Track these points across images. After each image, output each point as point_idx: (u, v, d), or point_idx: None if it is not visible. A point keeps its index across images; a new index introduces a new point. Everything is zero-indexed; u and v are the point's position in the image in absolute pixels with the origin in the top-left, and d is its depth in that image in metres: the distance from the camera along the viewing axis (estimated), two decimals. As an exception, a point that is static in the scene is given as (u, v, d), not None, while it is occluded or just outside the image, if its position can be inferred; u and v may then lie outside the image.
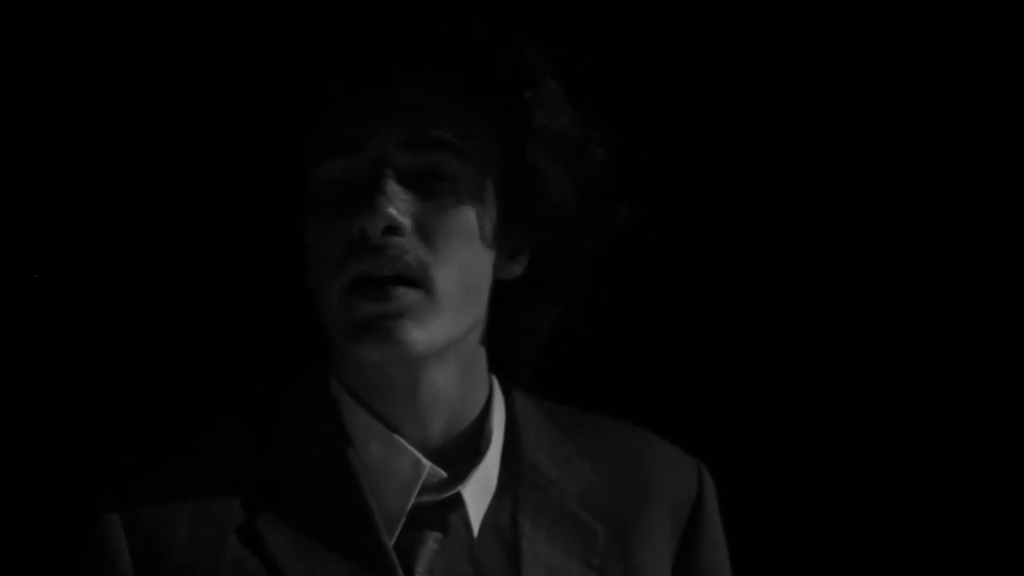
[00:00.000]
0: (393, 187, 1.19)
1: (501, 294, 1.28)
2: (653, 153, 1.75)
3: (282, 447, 1.25)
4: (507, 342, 1.30)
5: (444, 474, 1.23)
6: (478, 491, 1.25)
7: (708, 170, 1.79)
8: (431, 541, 1.23)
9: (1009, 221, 1.79)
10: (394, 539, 1.22)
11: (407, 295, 1.18)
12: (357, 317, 1.19)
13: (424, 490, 1.23)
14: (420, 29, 1.23)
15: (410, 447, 1.23)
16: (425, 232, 1.19)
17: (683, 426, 1.42)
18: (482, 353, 1.28)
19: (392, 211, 1.18)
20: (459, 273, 1.21)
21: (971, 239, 1.80)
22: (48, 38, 1.68)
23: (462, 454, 1.26)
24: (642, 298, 1.79)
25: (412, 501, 1.22)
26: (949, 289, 1.80)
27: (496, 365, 1.31)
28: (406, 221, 1.19)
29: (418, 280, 1.19)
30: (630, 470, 1.32)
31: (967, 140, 1.79)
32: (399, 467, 1.23)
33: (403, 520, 1.22)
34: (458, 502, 1.24)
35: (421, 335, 1.19)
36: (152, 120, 1.67)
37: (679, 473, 1.34)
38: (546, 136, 1.25)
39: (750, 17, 1.77)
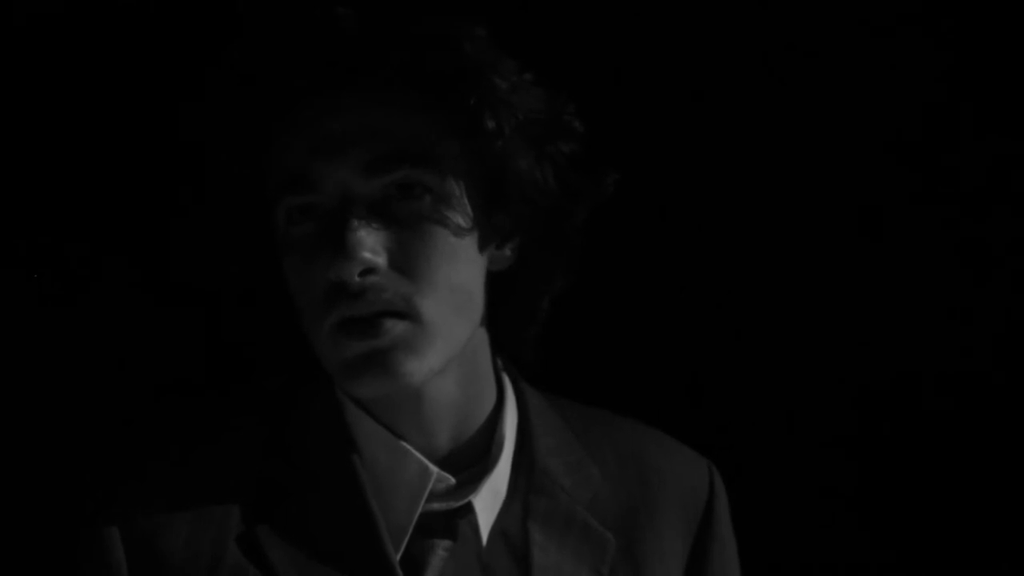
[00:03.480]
0: (361, 225, 1.14)
1: (497, 283, 1.25)
2: (652, 152, 1.76)
3: (285, 452, 1.24)
4: (509, 329, 1.28)
5: (453, 480, 1.22)
6: (489, 498, 1.23)
7: (706, 166, 1.79)
8: (440, 549, 1.21)
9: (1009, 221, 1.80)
10: (403, 548, 1.20)
11: (396, 326, 1.15)
12: (349, 355, 1.16)
13: (433, 497, 1.21)
14: (354, 40, 1.17)
15: (417, 453, 1.21)
16: (403, 262, 1.15)
17: (687, 423, 1.42)
18: (485, 352, 1.26)
19: (365, 254, 1.14)
20: (446, 293, 1.17)
21: (972, 237, 1.81)
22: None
23: (470, 458, 1.24)
24: (640, 295, 1.79)
25: (420, 509, 1.20)
26: (949, 282, 1.80)
27: (500, 352, 1.29)
28: (380, 260, 1.15)
29: (403, 313, 1.15)
30: (641, 473, 1.31)
31: (966, 142, 1.80)
32: (406, 474, 1.21)
33: (411, 529, 1.20)
34: (468, 509, 1.22)
35: (416, 365, 1.16)
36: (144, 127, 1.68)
37: (690, 475, 1.34)
38: (506, 127, 1.19)
39: (748, 16, 1.77)
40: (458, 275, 1.18)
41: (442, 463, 1.22)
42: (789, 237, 1.81)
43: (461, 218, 1.18)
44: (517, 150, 1.20)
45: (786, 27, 1.78)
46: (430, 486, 1.21)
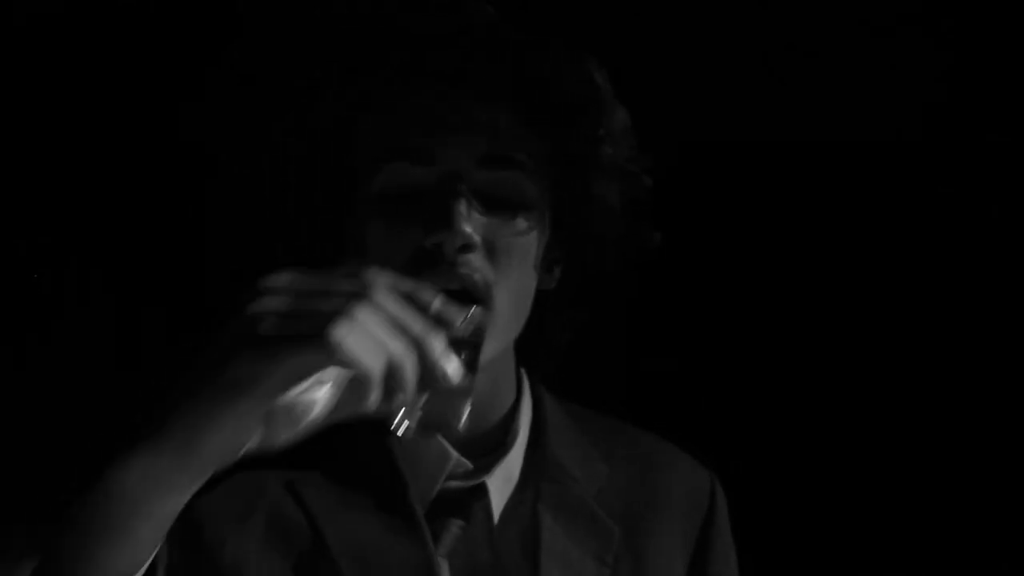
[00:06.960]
0: (469, 205, 1.20)
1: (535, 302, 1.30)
2: (651, 153, 1.76)
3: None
4: (535, 344, 1.33)
5: (470, 465, 1.28)
6: (501, 482, 1.29)
7: (705, 166, 1.80)
8: (454, 527, 1.26)
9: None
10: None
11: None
12: None
13: (451, 478, 1.27)
14: (498, 48, 1.23)
15: (439, 438, 1.27)
16: (491, 250, 1.21)
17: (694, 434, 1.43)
18: (512, 355, 1.32)
19: (469, 230, 1.19)
20: (515, 293, 1.23)
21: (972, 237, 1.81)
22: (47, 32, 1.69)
23: (488, 447, 1.30)
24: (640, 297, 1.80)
25: (439, 486, 1.26)
26: (948, 282, 1.81)
27: (523, 362, 1.34)
28: (479, 240, 1.20)
29: (481, 298, 1.20)
30: (647, 475, 1.37)
31: (966, 142, 1.80)
32: (428, 455, 1.26)
33: (429, 503, 1.26)
34: (482, 492, 1.28)
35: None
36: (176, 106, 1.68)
37: (693, 484, 1.39)
38: (610, 166, 1.28)
39: (748, 16, 1.78)
40: (525, 278, 1.25)
41: (461, 448, 1.27)
42: (789, 237, 1.82)
43: (541, 231, 1.26)
44: (606, 187, 1.29)
45: (786, 27, 1.78)
46: (449, 468, 1.26)
